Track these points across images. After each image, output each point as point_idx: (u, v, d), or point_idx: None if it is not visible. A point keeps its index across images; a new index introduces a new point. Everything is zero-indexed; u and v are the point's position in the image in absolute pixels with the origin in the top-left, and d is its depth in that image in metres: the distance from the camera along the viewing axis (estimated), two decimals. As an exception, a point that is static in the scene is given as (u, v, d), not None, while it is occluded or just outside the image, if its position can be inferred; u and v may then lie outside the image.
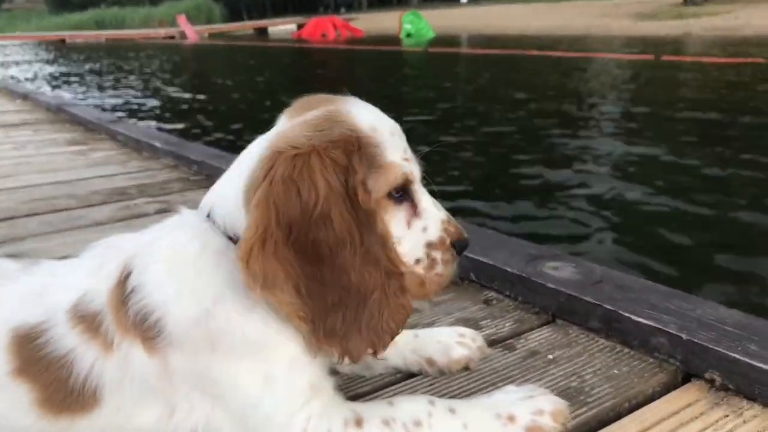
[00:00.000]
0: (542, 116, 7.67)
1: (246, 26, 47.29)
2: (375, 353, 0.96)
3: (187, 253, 0.98)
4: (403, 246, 1.00)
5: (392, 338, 0.97)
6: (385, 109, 1.03)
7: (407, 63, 18.02)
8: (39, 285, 1.05)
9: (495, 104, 8.89)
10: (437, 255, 1.02)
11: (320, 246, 0.89)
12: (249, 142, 1.04)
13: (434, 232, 1.02)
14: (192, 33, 40.81)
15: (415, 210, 1.01)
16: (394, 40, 28.23)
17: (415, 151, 1.05)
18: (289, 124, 0.98)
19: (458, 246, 1.04)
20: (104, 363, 0.97)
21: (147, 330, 0.95)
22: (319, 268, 0.89)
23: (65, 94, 10.82)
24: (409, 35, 30.35)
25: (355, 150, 0.92)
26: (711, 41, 19.39)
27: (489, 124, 7.37)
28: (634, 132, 6.55)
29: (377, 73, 15.05)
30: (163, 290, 0.96)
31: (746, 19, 24.20)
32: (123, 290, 0.97)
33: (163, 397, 0.98)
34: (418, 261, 1.02)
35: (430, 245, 1.02)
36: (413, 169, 1.00)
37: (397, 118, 1.04)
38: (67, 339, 0.98)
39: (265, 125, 1.05)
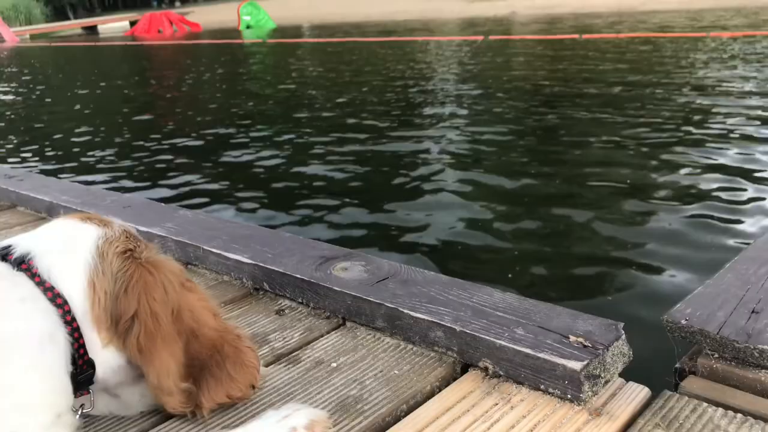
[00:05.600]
0: (375, 103, 7.76)
1: (73, 25, 43.96)
2: None
3: None
4: None
5: None
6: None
7: (247, 56, 17.58)
8: None
9: (327, 94, 8.87)
10: None
11: None
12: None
13: None
14: (10, 34, 37.31)
15: None
16: (233, 32, 27.48)
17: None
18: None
19: None
20: None
21: None
22: None
23: None
24: (248, 27, 29.70)
25: None
26: (533, 19, 20.71)
27: (321, 117, 7.33)
28: (463, 116, 6.79)
29: (217, 68, 14.54)
30: None
31: (563, -1, 26.15)
32: None
33: None
34: None
35: None
36: None
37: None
38: None
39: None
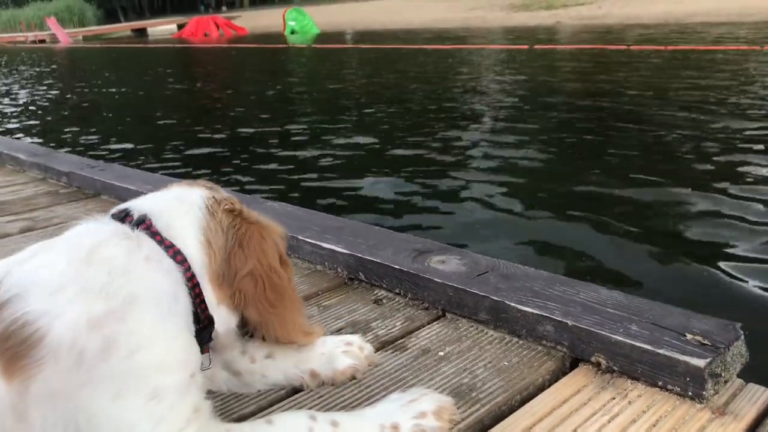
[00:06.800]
0: (425, 109, 7.77)
1: (123, 27, 45.20)
2: None
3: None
4: None
5: None
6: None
7: (293, 60, 17.80)
8: None
9: (378, 99, 8.92)
10: None
11: None
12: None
13: None
14: (64, 36, 38.47)
15: None
16: (278, 37, 27.85)
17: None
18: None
19: None
20: None
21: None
22: None
23: None
24: (293, 32, 30.06)
25: None
26: (579, 29, 20.51)
27: (371, 119, 7.37)
28: (514, 122, 6.76)
29: (263, 71, 14.75)
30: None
31: (608, 9, 25.82)
32: None
33: None
34: None
35: None
36: None
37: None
38: None
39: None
